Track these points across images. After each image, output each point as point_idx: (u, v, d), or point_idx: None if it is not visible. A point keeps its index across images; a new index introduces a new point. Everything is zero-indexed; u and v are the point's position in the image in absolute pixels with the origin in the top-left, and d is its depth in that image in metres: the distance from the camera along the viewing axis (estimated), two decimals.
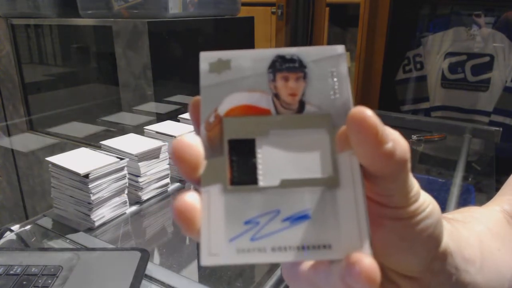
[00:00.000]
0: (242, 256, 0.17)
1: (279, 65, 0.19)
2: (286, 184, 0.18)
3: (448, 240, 0.23)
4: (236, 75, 0.19)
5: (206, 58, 0.20)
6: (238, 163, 0.18)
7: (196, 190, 0.18)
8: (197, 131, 0.19)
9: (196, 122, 0.20)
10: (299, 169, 0.18)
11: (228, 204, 0.18)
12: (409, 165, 0.19)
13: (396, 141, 0.18)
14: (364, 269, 0.16)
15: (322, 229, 0.18)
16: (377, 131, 0.17)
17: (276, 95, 0.19)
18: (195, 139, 0.18)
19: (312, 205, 0.18)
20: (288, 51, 0.20)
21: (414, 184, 0.20)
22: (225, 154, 0.18)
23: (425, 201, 0.20)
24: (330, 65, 0.19)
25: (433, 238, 0.21)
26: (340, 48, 0.20)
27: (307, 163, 0.18)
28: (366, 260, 0.16)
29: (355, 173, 0.18)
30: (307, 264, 0.20)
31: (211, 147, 0.19)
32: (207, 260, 0.17)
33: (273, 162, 0.18)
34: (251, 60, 0.20)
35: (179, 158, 0.18)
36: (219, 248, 0.17)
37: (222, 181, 0.18)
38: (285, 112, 0.19)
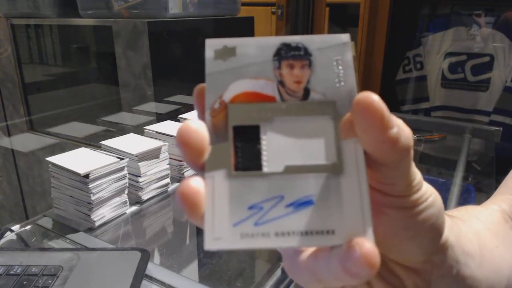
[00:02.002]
0: (246, 241, 0.17)
1: (284, 53, 0.19)
2: (290, 170, 0.18)
3: (448, 233, 0.23)
4: (241, 62, 0.19)
5: (212, 45, 0.20)
6: (243, 149, 0.18)
7: (201, 177, 0.18)
8: (201, 117, 0.19)
9: (200, 108, 0.20)
10: (303, 156, 0.18)
11: (232, 189, 0.18)
12: (412, 152, 0.19)
13: (400, 127, 0.18)
14: (364, 253, 0.16)
15: (326, 215, 0.18)
16: (383, 116, 0.17)
17: (281, 83, 0.19)
18: (200, 125, 0.18)
19: (316, 191, 0.18)
20: (294, 39, 0.20)
21: (417, 173, 0.20)
22: (230, 140, 0.18)
23: (428, 191, 0.20)
24: (335, 53, 0.19)
25: (435, 228, 0.21)
26: (345, 37, 0.20)
27: (311, 149, 0.18)
28: (367, 244, 0.16)
29: (359, 160, 0.18)
30: (307, 252, 0.20)
31: (216, 133, 0.19)
32: (210, 245, 0.17)
33: (277, 149, 0.18)
34: (257, 47, 0.20)
35: (184, 143, 0.18)
36: (223, 233, 0.17)
37: (226, 166, 0.18)
38: (290, 99, 0.19)
